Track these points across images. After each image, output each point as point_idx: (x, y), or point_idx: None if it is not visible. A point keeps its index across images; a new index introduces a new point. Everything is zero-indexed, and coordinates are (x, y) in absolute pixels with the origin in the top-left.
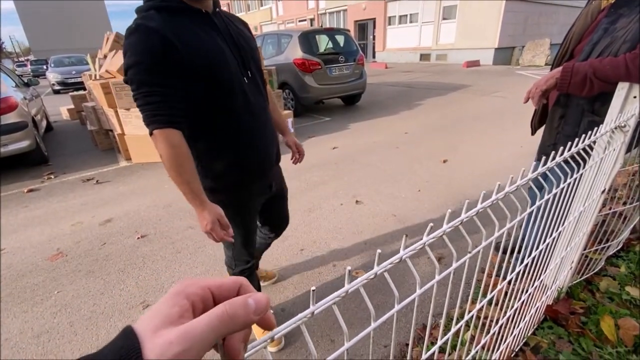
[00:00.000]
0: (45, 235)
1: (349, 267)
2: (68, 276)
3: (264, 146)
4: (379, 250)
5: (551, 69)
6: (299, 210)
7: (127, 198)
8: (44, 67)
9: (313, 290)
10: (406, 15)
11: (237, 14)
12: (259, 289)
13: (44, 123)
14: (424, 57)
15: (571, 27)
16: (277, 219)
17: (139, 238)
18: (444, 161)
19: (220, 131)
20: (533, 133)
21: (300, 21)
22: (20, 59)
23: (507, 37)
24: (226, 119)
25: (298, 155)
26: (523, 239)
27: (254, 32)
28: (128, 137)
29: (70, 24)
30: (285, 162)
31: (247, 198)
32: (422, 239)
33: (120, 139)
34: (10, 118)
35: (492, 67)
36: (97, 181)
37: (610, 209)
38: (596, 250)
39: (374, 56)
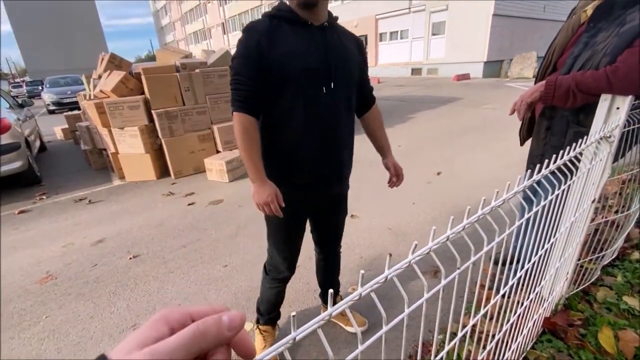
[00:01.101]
0: (35, 258)
1: (330, 290)
2: (57, 300)
3: (313, 164)
4: (362, 271)
5: (535, 82)
6: None
7: (120, 217)
8: (40, 87)
9: (293, 316)
10: (397, 31)
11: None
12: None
13: (38, 143)
14: (415, 71)
15: (553, 40)
16: (318, 231)
17: (131, 258)
18: (438, 173)
19: (269, 131)
20: (522, 144)
21: None
22: (15, 80)
23: (495, 50)
24: (281, 121)
25: (396, 179)
26: (518, 250)
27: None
28: (122, 155)
29: (66, 45)
30: None
31: (288, 204)
32: (419, 252)
33: (114, 158)
34: (3, 140)
35: (482, 80)
36: (89, 201)
37: (603, 217)
38: (591, 259)
39: None
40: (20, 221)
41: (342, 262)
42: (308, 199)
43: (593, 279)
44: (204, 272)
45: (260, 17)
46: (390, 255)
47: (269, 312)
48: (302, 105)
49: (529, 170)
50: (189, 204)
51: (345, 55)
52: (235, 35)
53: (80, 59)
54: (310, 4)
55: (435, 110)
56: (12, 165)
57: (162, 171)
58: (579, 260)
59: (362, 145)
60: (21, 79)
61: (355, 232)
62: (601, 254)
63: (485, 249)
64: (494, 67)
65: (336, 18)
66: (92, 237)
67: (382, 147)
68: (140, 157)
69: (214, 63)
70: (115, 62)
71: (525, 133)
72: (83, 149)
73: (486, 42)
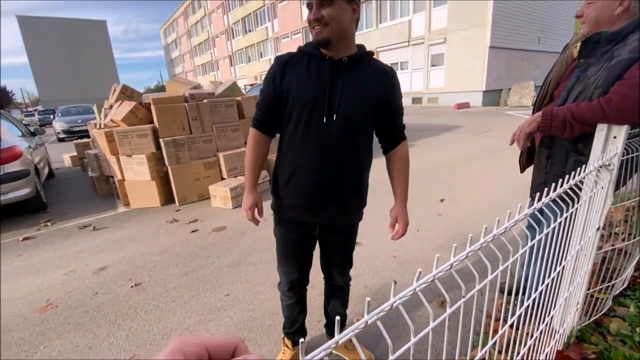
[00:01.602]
0: (36, 285)
1: (337, 317)
2: (56, 329)
3: (308, 188)
4: (367, 299)
5: (533, 112)
6: None
7: (123, 244)
8: (51, 116)
9: (302, 342)
10: (397, 62)
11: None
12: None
13: (46, 170)
14: (416, 100)
15: (549, 73)
16: (323, 259)
17: (132, 286)
18: (441, 200)
19: (281, 149)
20: (522, 171)
21: (294, 34)
22: (28, 109)
23: (493, 80)
24: (286, 144)
25: (392, 230)
26: (525, 280)
27: (254, 82)
28: (128, 182)
29: (79, 76)
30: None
31: (282, 221)
32: (428, 279)
33: (120, 185)
34: (14, 167)
35: (482, 108)
36: (93, 227)
37: (611, 245)
38: (601, 289)
39: None
40: (24, 248)
41: None
42: (306, 221)
43: (605, 310)
44: (206, 301)
45: (263, 51)
46: (395, 282)
47: (284, 326)
48: (302, 132)
49: (531, 199)
50: (192, 231)
51: (356, 88)
52: (242, 67)
53: (92, 90)
54: (322, 44)
55: (436, 138)
56: (20, 192)
57: (167, 198)
58: (588, 289)
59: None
60: (33, 108)
61: (359, 259)
62: (611, 284)
63: (490, 277)
64: (493, 96)
65: (370, 53)
66: (94, 265)
67: (395, 191)
68: (146, 184)
69: (222, 94)
70: (127, 93)
71: (525, 161)
72: (90, 175)
73: (484, 72)
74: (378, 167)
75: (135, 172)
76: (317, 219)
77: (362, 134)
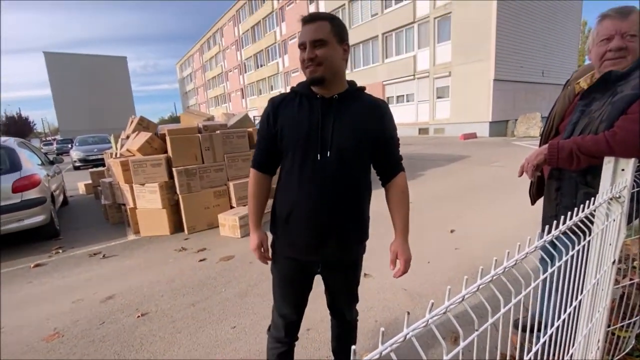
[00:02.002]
0: (44, 314)
1: (354, 347)
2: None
3: (306, 224)
4: (382, 329)
5: (540, 145)
6: None
7: (132, 272)
8: (69, 145)
9: None
10: (403, 95)
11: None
12: None
13: (61, 198)
14: (422, 130)
15: (552, 108)
16: (328, 294)
17: (139, 316)
18: (451, 231)
19: (279, 187)
20: (532, 203)
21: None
22: (47, 138)
23: (499, 111)
24: (283, 182)
25: (393, 267)
26: (540, 315)
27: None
28: (139, 210)
29: (98, 107)
30: None
31: (282, 259)
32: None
33: (132, 213)
34: (32, 194)
35: (489, 139)
36: (103, 255)
37: (629, 280)
38: (622, 326)
39: None
40: (34, 275)
41: None
42: (304, 258)
43: (628, 349)
44: (212, 333)
45: (273, 84)
46: (409, 313)
47: None
48: (299, 170)
49: (542, 231)
50: (200, 260)
51: (347, 123)
52: (253, 100)
53: (109, 120)
54: (315, 82)
55: (444, 168)
56: (36, 218)
57: (176, 226)
58: (609, 327)
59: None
60: (52, 137)
61: (368, 292)
62: (632, 320)
63: (503, 310)
64: (500, 127)
65: (361, 88)
66: (102, 293)
67: (395, 225)
68: (157, 212)
69: (234, 125)
70: (144, 124)
71: (535, 192)
72: (103, 203)
73: (489, 103)
74: (384, 196)
75: (147, 200)
76: (318, 256)
77: (357, 168)
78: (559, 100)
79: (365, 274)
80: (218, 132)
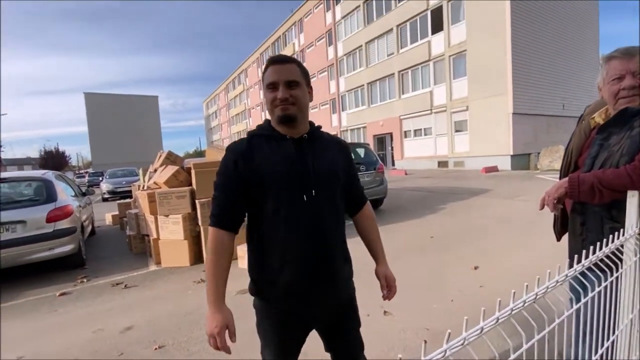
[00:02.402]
0: (66, 343)
1: None
2: None
3: (303, 268)
4: (399, 355)
5: (559, 178)
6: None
7: (151, 303)
8: (100, 178)
9: None
10: (420, 128)
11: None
12: None
13: (90, 228)
14: (442, 164)
15: (569, 143)
16: (331, 351)
17: (156, 349)
18: (475, 268)
19: (262, 237)
20: (558, 239)
21: (323, 105)
22: (80, 172)
23: (520, 144)
24: (268, 226)
25: (387, 292)
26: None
27: None
28: (162, 241)
29: (128, 142)
30: None
31: (276, 315)
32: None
33: (154, 244)
34: (64, 224)
35: (511, 172)
36: (125, 285)
37: None
38: None
39: (393, 164)
40: (60, 303)
41: None
42: (303, 308)
43: None
44: None
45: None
46: (425, 342)
47: None
48: (285, 211)
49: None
50: None
51: (324, 162)
52: None
53: (137, 154)
54: (288, 120)
55: (465, 202)
56: (65, 248)
57: (196, 258)
58: None
59: (388, 234)
60: (84, 170)
61: (388, 332)
62: None
63: (525, 346)
64: (522, 160)
65: (318, 127)
66: (122, 324)
67: (374, 252)
68: (179, 243)
69: None
70: (171, 159)
71: (560, 228)
72: (128, 234)
73: (509, 137)
74: (405, 229)
75: (170, 232)
76: (317, 304)
77: (339, 204)
78: (575, 135)
79: (385, 312)
80: None
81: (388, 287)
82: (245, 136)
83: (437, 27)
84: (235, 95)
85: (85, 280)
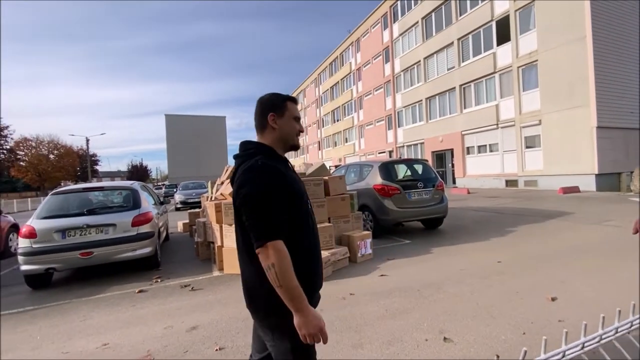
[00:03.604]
0: (142, 335)
1: None
2: None
3: (320, 265)
4: None
5: None
6: (377, 341)
7: (214, 307)
8: (174, 189)
9: None
10: (485, 145)
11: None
12: None
13: (164, 234)
14: (510, 183)
15: None
16: None
17: (216, 350)
18: (552, 299)
19: (298, 244)
20: None
21: (379, 153)
22: (158, 184)
23: (608, 163)
24: (304, 231)
25: None
26: None
27: (338, 163)
28: (225, 249)
29: (199, 158)
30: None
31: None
32: None
33: (219, 251)
34: (146, 228)
35: (597, 194)
36: (192, 288)
37: None
38: None
39: (454, 182)
40: (138, 299)
41: None
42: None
43: None
44: None
45: (348, 136)
46: (498, 356)
47: None
48: (307, 220)
49: None
50: None
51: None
52: (328, 151)
53: (207, 169)
54: (297, 148)
55: (540, 225)
56: (145, 250)
57: None
58: None
59: (449, 257)
60: (162, 183)
61: None
62: None
63: None
64: (611, 180)
65: None
66: (188, 323)
67: None
68: None
69: (312, 173)
70: None
71: None
72: (196, 240)
73: (594, 154)
74: (468, 251)
75: (233, 240)
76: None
77: None
78: None
79: (445, 338)
80: None
81: None
82: (266, 160)
83: (504, 37)
84: None
85: (159, 280)
